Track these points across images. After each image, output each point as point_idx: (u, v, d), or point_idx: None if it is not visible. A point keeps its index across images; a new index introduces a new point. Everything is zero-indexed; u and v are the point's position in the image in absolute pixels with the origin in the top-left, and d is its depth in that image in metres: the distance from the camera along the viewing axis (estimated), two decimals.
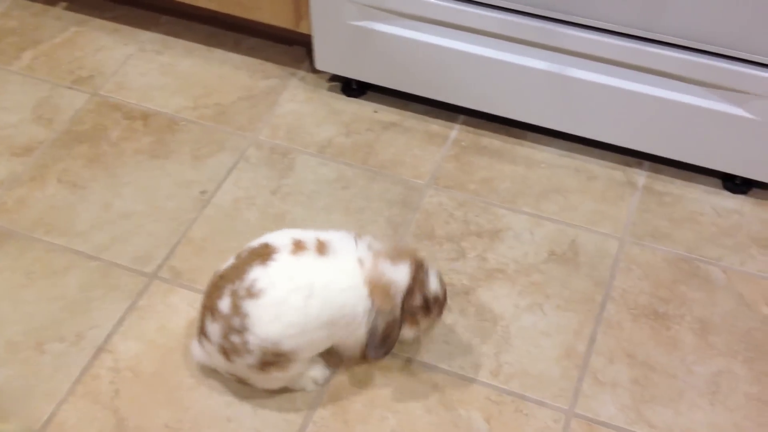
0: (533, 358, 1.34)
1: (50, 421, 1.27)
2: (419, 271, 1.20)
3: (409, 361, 1.34)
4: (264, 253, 1.19)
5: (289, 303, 1.14)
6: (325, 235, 1.21)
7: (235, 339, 1.16)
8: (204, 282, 1.44)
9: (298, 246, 1.19)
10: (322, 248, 1.19)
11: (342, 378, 1.31)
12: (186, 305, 1.41)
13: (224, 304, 1.17)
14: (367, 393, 1.30)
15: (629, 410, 1.28)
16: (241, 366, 1.19)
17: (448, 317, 1.39)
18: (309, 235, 1.21)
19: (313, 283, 1.15)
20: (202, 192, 1.59)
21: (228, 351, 1.18)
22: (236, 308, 1.16)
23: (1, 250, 1.49)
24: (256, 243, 1.23)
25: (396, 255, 1.20)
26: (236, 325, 1.15)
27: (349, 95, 1.77)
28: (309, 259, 1.18)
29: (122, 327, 1.39)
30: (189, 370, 1.32)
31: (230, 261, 1.23)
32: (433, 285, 1.22)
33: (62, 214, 1.55)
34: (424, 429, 1.26)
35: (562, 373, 1.32)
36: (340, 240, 1.21)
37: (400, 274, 1.18)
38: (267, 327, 1.14)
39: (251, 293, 1.15)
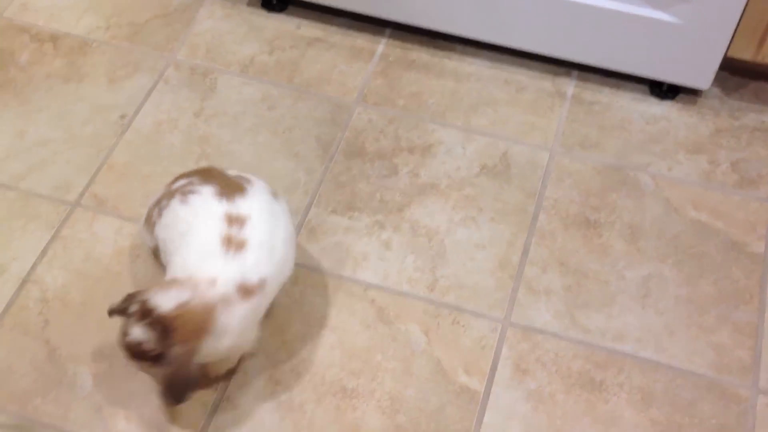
0: (468, 270, 1.35)
1: None
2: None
3: (342, 279, 1.33)
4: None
5: None
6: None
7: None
8: (129, 209, 1.39)
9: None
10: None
11: (277, 298, 1.29)
12: (112, 233, 1.37)
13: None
14: (303, 312, 1.29)
15: (563, 316, 1.30)
16: None
17: (383, 234, 1.38)
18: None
19: None
20: (122, 116, 1.53)
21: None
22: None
23: None
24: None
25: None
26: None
27: (270, 10, 1.70)
28: None
29: (46, 257, 1.33)
30: (118, 297, 1.28)
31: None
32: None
33: None
34: (364, 344, 1.26)
35: (497, 284, 1.33)
36: None
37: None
38: None
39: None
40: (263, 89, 1.58)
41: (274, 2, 1.69)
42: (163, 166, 1.46)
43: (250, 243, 1.12)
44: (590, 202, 1.44)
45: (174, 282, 1.09)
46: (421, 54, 1.65)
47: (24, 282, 1.30)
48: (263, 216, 1.15)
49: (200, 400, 1.20)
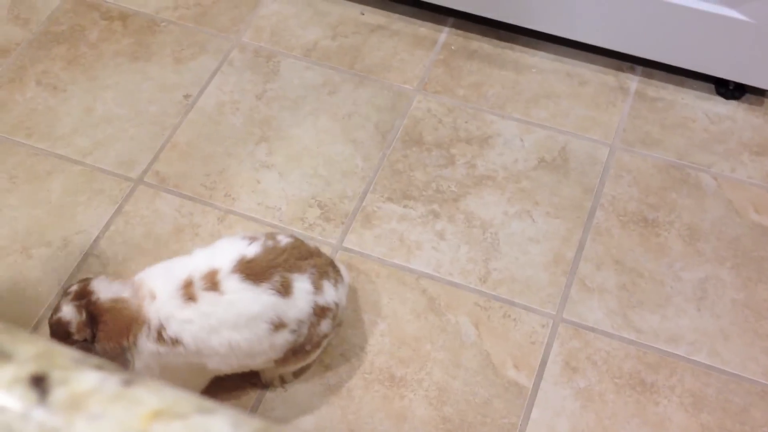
0: (521, 264, 1.35)
1: (40, 325, 1.26)
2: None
3: (395, 267, 1.34)
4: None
5: None
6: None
7: None
8: (190, 188, 1.42)
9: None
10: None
11: None
12: (172, 210, 1.40)
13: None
14: (354, 298, 1.30)
15: (616, 315, 1.29)
16: None
17: (438, 224, 1.38)
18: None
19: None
20: (186, 96, 1.56)
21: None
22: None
23: None
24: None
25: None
26: None
27: None
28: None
29: (108, 232, 1.37)
30: None
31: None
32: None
33: (43, 117, 1.51)
34: (414, 333, 1.27)
35: (551, 279, 1.33)
36: None
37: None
38: None
39: None
40: (325, 74, 1.59)
41: None
42: (225, 146, 1.48)
43: (199, 304, 1.06)
44: (649, 201, 1.42)
45: (121, 279, 1.09)
46: (483, 44, 1.64)
47: (86, 255, 1.34)
48: (236, 301, 1.06)
49: (251, 380, 1.22)
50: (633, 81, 1.58)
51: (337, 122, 1.52)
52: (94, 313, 1.05)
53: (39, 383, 0.31)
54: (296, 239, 1.14)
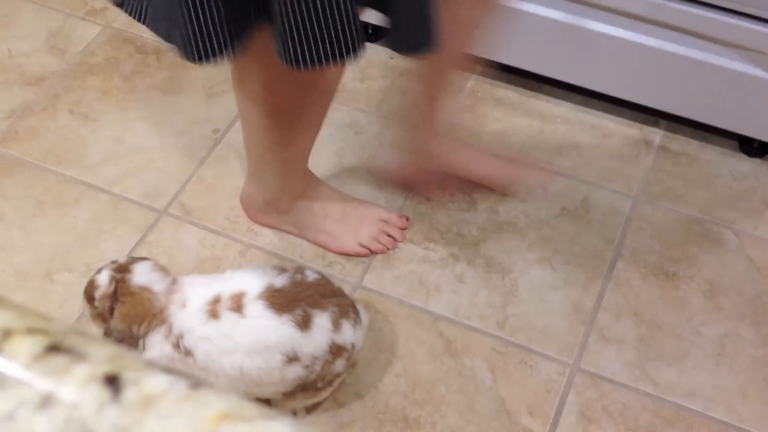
0: (540, 311, 1.34)
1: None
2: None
3: (413, 308, 1.34)
4: None
5: None
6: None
7: None
8: (213, 221, 1.44)
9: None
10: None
11: None
12: (196, 242, 1.41)
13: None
14: (371, 337, 1.30)
15: (634, 367, 1.28)
16: None
17: (458, 267, 1.39)
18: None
19: None
20: (214, 131, 1.58)
21: None
22: None
23: (13, 178, 1.49)
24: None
25: None
26: None
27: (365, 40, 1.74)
28: None
29: None
30: None
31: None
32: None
33: (74, 145, 1.54)
34: (429, 375, 1.27)
35: (569, 327, 1.33)
36: None
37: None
38: None
39: None
40: (352, 114, 1.61)
41: (370, 32, 1.73)
42: None
43: (220, 322, 1.07)
44: (670, 254, 1.42)
45: (167, 272, 1.11)
46: (509, 92, 1.66)
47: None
48: (256, 327, 1.07)
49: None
50: (657, 135, 1.59)
51: (362, 163, 1.54)
52: (119, 291, 1.07)
53: (112, 382, 0.33)
54: (323, 276, 1.15)
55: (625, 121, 1.62)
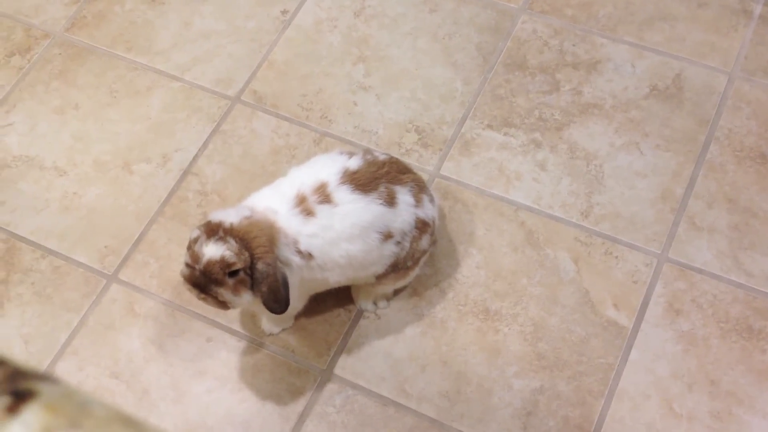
0: (627, 199, 1.29)
1: (141, 240, 1.29)
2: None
3: (493, 197, 1.30)
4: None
5: None
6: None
7: None
8: (287, 108, 1.40)
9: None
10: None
11: None
12: (269, 131, 1.38)
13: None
14: (450, 227, 1.27)
15: (726, 257, 1.23)
16: None
17: (539, 153, 1.33)
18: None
19: None
20: (283, 12, 1.52)
21: None
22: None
23: (84, 66, 1.46)
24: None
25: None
26: None
27: None
28: None
29: (207, 150, 1.37)
30: None
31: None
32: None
33: (142, 30, 1.50)
34: (510, 267, 1.24)
35: (657, 216, 1.27)
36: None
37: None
38: None
39: None
40: None
41: None
42: (321, 66, 1.45)
43: (318, 218, 1.05)
44: None
45: (230, 207, 1.06)
46: None
47: (185, 173, 1.35)
48: (350, 212, 1.06)
49: (346, 306, 1.22)
50: (758, 3, 1.47)
51: (437, 43, 1.46)
52: (240, 236, 1.00)
53: None
54: (391, 156, 1.14)
55: None
